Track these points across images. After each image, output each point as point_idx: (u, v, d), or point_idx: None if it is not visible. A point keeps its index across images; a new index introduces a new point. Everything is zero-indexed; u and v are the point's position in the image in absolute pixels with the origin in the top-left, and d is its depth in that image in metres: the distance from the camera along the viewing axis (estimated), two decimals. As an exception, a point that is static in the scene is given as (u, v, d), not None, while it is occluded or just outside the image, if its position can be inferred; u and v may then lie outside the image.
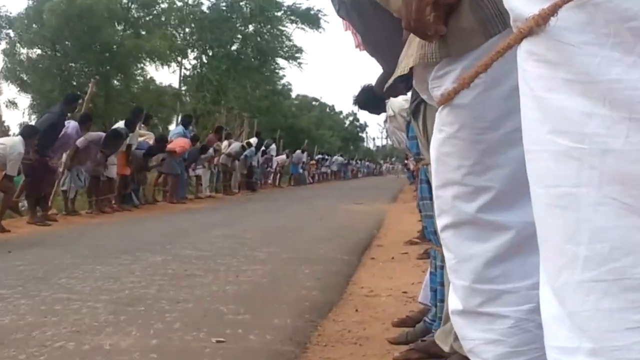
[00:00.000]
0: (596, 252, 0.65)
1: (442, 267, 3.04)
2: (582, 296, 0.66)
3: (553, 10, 0.68)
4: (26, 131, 9.66)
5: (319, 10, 32.79)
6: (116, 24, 26.56)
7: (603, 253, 0.65)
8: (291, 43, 33.16)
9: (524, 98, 0.75)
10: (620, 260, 0.64)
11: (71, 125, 10.40)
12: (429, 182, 3.20)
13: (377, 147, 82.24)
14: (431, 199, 3.17)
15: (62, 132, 9.98)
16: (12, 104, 25.83)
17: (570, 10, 0.68)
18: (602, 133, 0.65)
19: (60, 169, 10.57)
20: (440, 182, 1.28)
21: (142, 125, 13.60)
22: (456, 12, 1.19)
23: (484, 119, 1.19)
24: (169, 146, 13.98)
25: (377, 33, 1.70)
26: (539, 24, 0.70)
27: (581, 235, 0.66)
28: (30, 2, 25.35)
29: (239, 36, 31.71)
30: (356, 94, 4.98)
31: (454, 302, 1.29)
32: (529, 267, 1.13)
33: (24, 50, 25.42)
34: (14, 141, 8.93)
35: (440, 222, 1.33)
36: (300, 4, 32.50)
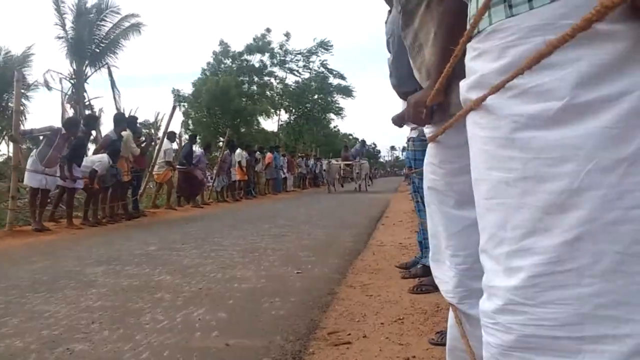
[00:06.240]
0: (514, 235, 0.64)
1: (424, 226, 3.02)
2: (505, 259, 0.65)
3: (483, 98, 0.67)
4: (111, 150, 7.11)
5: (350, 85, 32.60)
6: (242, 97, 26.95)
7: (517, 236, 0.63)
8: (337, 105, 33.04)
9: (473, 149, 0.73)
10: (527, 239, 0.62)
11: (199, 151, 10.92)
12: (413, 183, 3.17)
13: (386, 161, 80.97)
14: (417, 191, 3.15)
15: (198, 158, 10.19)
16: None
17: (495, 97, 0.66)
18: (520, 167, 0.63)
19: (205, 176, 10.78)
20: (426, 185, 1.25)
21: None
22: (434, 111, 1.17)
23: (439, 157, 1.16)
24: (265, 161, 14.33)
25: (403, 65, 1.40)
26: (475, 104, 0.69)
27: (507, 226, 0.64)
28: (194, 87, 26.11)
29: (309, 103, 31.73)
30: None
31: (430, 252, 1.26)
32: (467, 244, 1.10)
33: (192, 113, 26.07)
34: (101, 157, 6.84)
35: (427, 210, 1.29)
36: (341, 83, 32.23)
